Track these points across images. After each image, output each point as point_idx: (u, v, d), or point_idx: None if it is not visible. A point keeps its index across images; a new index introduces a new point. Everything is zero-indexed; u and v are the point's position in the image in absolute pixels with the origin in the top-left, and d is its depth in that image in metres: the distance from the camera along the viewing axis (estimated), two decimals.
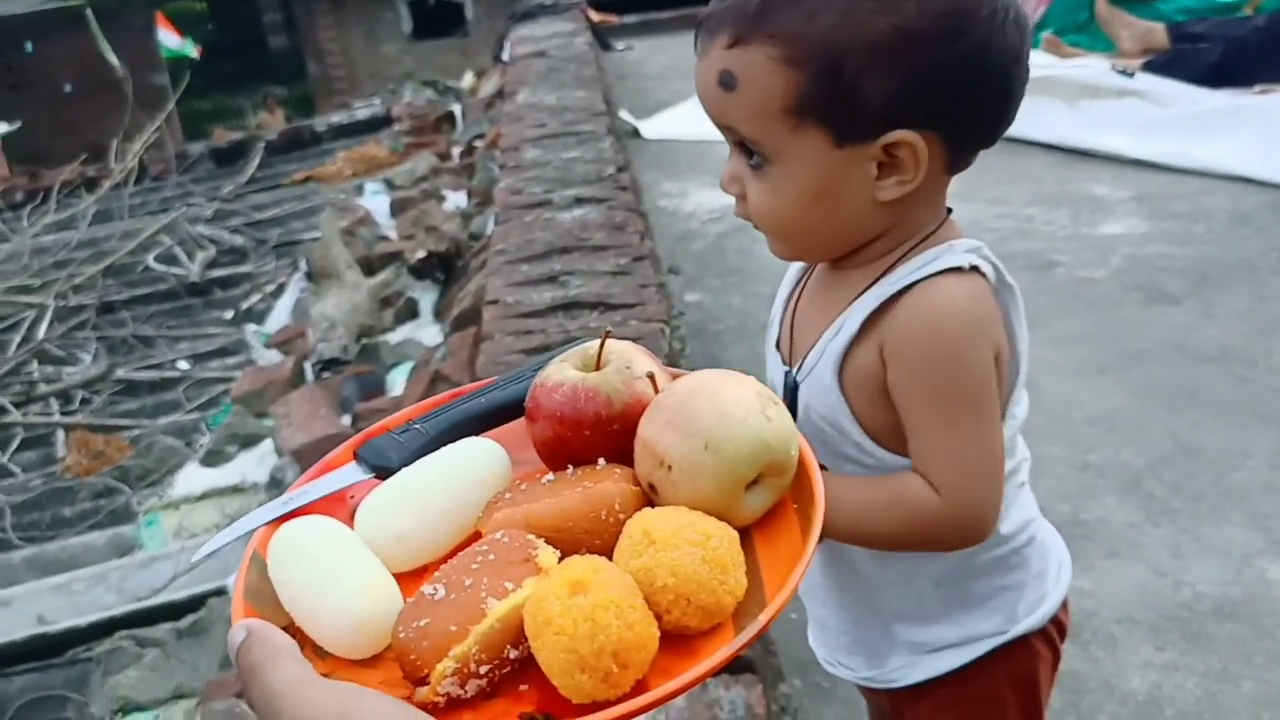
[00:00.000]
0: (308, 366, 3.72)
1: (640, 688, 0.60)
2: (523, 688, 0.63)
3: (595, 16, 7.19)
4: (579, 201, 3.58)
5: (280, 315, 4.55)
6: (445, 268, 4.23)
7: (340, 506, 0.75)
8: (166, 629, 2.60)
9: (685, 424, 0.67)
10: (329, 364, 3.64)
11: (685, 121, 5.18)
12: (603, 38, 6.94)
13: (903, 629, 1.12)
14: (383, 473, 0.77)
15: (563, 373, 0.75)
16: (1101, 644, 1.92)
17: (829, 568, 1.15)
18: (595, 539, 0.67)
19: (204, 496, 3.16)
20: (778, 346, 1.13)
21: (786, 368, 1.10)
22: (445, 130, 6.52)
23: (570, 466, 0.72)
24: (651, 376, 0.73)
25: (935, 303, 0.99)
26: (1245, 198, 3.70)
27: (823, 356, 1.03)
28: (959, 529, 1.00)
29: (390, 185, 5.56)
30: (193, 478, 3.30)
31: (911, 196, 0.98)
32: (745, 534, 0.68)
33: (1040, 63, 4.26)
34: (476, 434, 0.80)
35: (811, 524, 0.66)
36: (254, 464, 3.24)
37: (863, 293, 1.02)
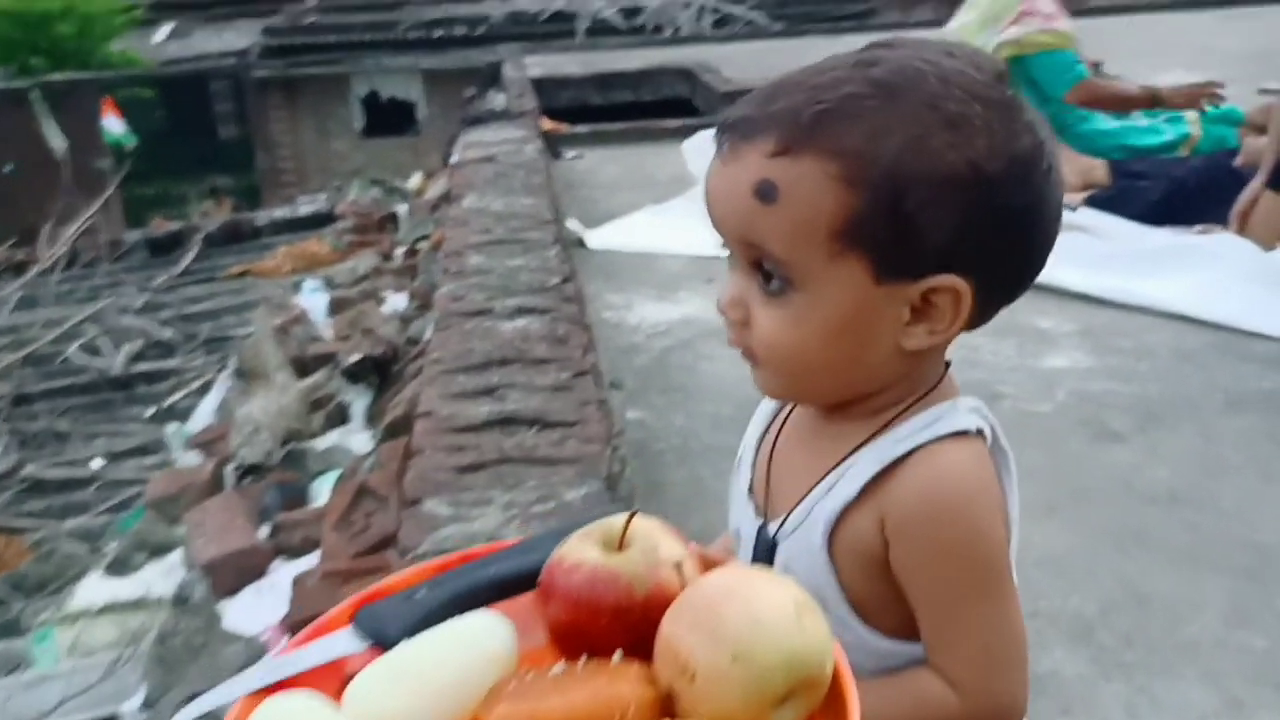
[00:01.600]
0: (228, 471, 3.55)
1: None
2: None
3: (547, 124, 7.22)
4: (521, 311, 3.50)
5: (204, 414, 4.39)
6: (381, 372, 4.11)
7: (332, 678, 0.71)
8: None
9: (714, 628, 0.62)
10: (250, 470, 3.48)
11: (633, 233, 5.16)
12: (553, 145, 6.96)
13: None
14: (380, 644, 0.73)
15: (582, 552, 0.71)
16: None
17: None
18: None
19: (104, 610, 2.97)
20: (750, 492, 1.02)
21: (761, 520, 0.99)
22: (389, 230, 6.45)
23: (584, 656, 0.68)
24: (679, 566, 0.68)
25: (945, 474, 0.90)
26: (1188, 336, 3.72)
27: (809, 516, 0.93)
28: None
29: (329, 284, 5.45)
30: (94, 588, 3.10)
31: (932, 348, 0.92)
32: None
33: None
34: (485, 604, 0.75)
35: None
36: (161, 576, 3.06)
37: (859, 447, 0.93)
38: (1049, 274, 3.70)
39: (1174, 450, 2.98)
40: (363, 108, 18.72)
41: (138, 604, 2.93)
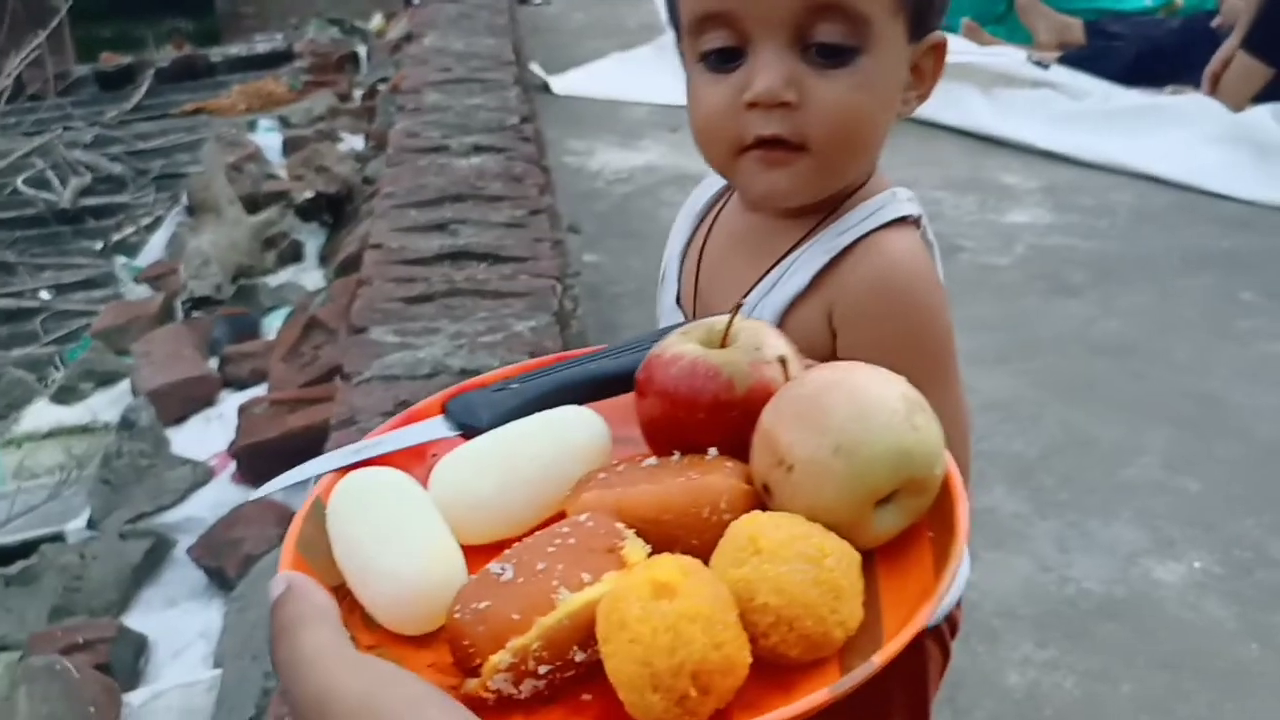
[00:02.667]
0: (178, 304, 3.49)
1: (719, 719, 0.52)
2: (585, 697, 0.56)
3: None
4: (478, 150, 3.42)
5: (154, 250, 4.29)
6: (334, 210, 4.03)
7: (419, 463, 0.70)
8: None
9: (816, 420, 0.58)
10: (200, 302, 3.42)
11: (598, 80, 5.04)
12: None
13: None
14: (470, 432, 0.72)
15: (683, 345, 0.67)
16: (982, 638, 1.85)
17: None
18: (694, 538, 0.59)
19: (50, 435, 2.93)
20: (678, 303, 0.99)
21: None
22: (348, 71, 6.25)
23: (677, 452, 0.65)
24: (783, 361, 0.64)
25: (895, 260, 0.87)
26: (1151, 196, 3.70)
27: (752, 315, 0.89)
28: None
29: (285, 123, 5.30)
30: (41, 414, 3.06)
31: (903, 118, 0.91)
32: (869, 559, 0.59)
33: (958, 49, 4.21)
34: (582, 401, 0.73)
35: (949, 558, 0.56)
36: (108, 404, 3.02)
37: (801, 241, 0.90)
38: (1015, 130, 3.67)
39: (1129, 305, 2.99)
40: None
41: (84, 429, 2.90)
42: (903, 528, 0.60)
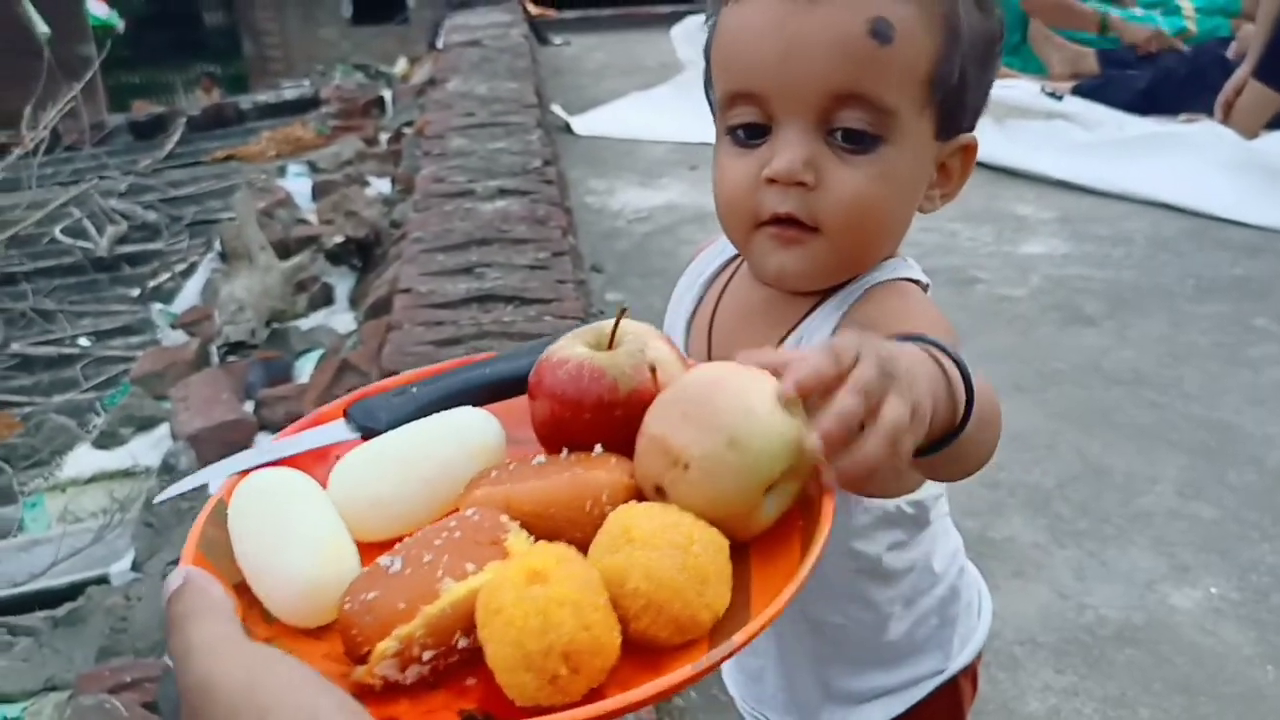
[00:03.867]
0: (213, 349, 3.59)
1: (593, 697, 0.54)
2: (469, 682, 0.58)
3: (534, 10, 7.11)
4: (502, 193, 3.51)
5: (189, 295, 4.39)
6: (363, 254, 4.12)
7: (322, 465, 0.71)
8: (41, 617, 2.47)
9: (706, 418, 0.61)
10: (235, 347, 3.51)
11: (618, 119, 5.13)
12: (540, 31, 6.87)
13: (838, 679, 1.04)
14: (369, 434, 0.74)
15: (571, 349, 0.70)
16: (1002, 665, 1.89)
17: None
18: (577, 531, 0.62)
19: (93, 479, 3.02)
20: None
21: None
22: (374, 115, 6.39)
23: (565, 450, 0.68)
24: (653, 369, 0.68)
25: (905, 297, 0.91)
26: (1165, 224, 3.74)
27: None
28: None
29: (314, 168, 5.42)
30: (83, 460, 3.15)
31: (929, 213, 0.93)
32: (744, 547, 0.63)
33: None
34: (478, 404, 0.75)
35: (812, 544, 0.59)
36: (148, 448, 3.10)
37: (814, 309, 0.92)
38: (1030, 161, 3.74)
39: (1143, 334, 3.03)
40: None
41: (126, 473, 2.98)
42: (786, 509, 0.64)
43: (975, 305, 3.18)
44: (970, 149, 0.94)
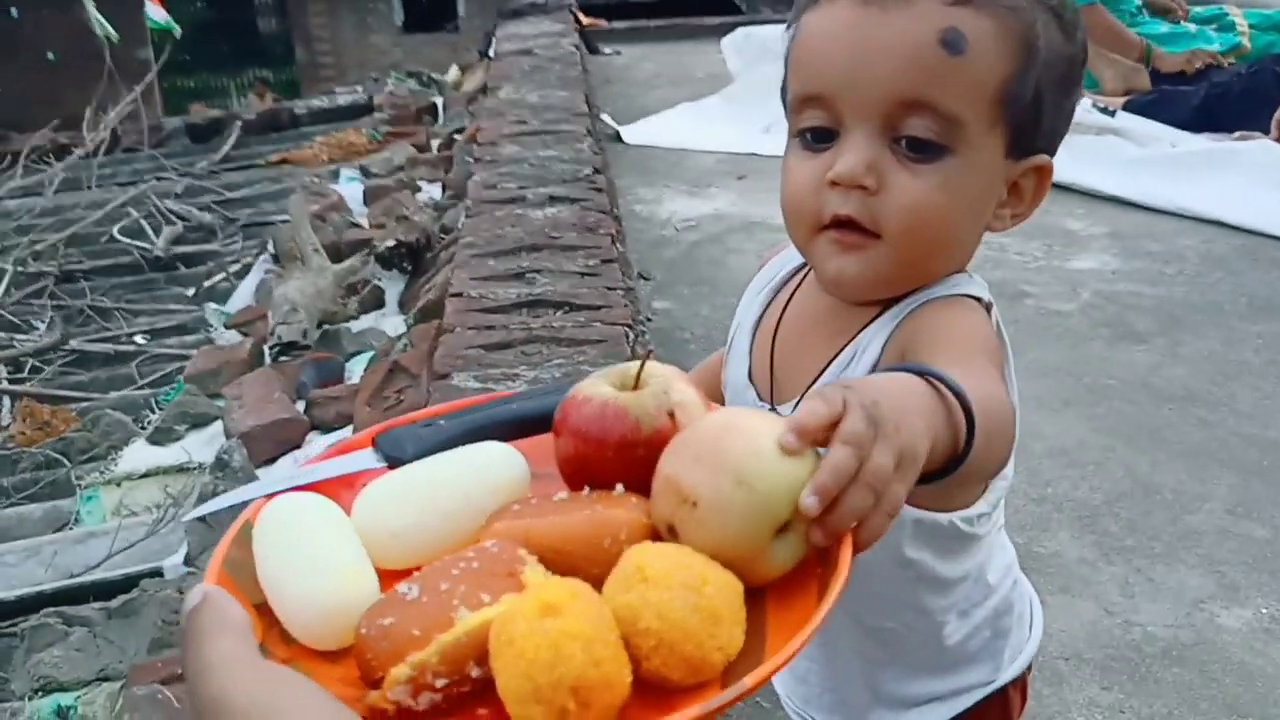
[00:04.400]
0: (266, 349, 3.65)
1: None
2: (481, 711, 0.59)
3: (584, 20, 7.15)
4: (553, 200, 3.54)
5: (243, 296, 4.47)
6: (414, 258, 4.17)
7: (347, 492, 0.73)
8: (96, 608, 2.52)
9: (715, 458, 0.62)
10: (287, 348, 3.56)
11: (667, 129, 5.15)
12: (590, 41, 6.91)
13: (889, 683, 1.05)
14: (395, 464, 0.75)
15: (596, 388, 0.71)
16: (1048, 681, 1.89)
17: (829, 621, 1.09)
18: (595, 567, 0.62)
19: (147, 475, 3.08)
20: (750, 379, 1.02)
21: (767, 405, 0.99)
22: (426, 122, 6.46)
23: (587, 488, 0.69)
24: (672, 414, 0.69)
25: (960, 312, 0.91)
26: (1218, 241, 3.71)
27: None
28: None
29: (366, 173, 5.49)
30: (138, 455, 3.21)
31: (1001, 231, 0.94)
32: (761, 592, 0.63)
33: None
34: (504, 438, 0.76)
35: (828, 591, 0.60)
36: (202, 444, 3.16)
37: (874, 319, 0.93)
38: (1081, 176, 3.74)
39: (1194, 352, 3.01)
40: (402, 2, 18.50)
41: (180, 469, 3.04)
42: (800, 556, 0.63)
43: (1025, 320, 3.17)
44: (1045, 170, 0.94)
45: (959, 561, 1.00)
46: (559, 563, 0.63)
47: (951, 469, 0.71)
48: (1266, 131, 4.13)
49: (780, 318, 1.02)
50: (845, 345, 0.94)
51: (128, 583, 2.59)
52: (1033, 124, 0.90)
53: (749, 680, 0.55)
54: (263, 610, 0.64)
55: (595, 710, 0.54)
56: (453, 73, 7.24)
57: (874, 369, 0.91)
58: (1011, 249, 3.63)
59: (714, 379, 1.11)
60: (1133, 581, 2.12)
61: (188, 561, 2.64)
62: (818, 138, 0.90)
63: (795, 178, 0.92)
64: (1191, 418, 2.68)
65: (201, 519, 2.70)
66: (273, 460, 2.97)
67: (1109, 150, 4.16)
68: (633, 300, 3.03)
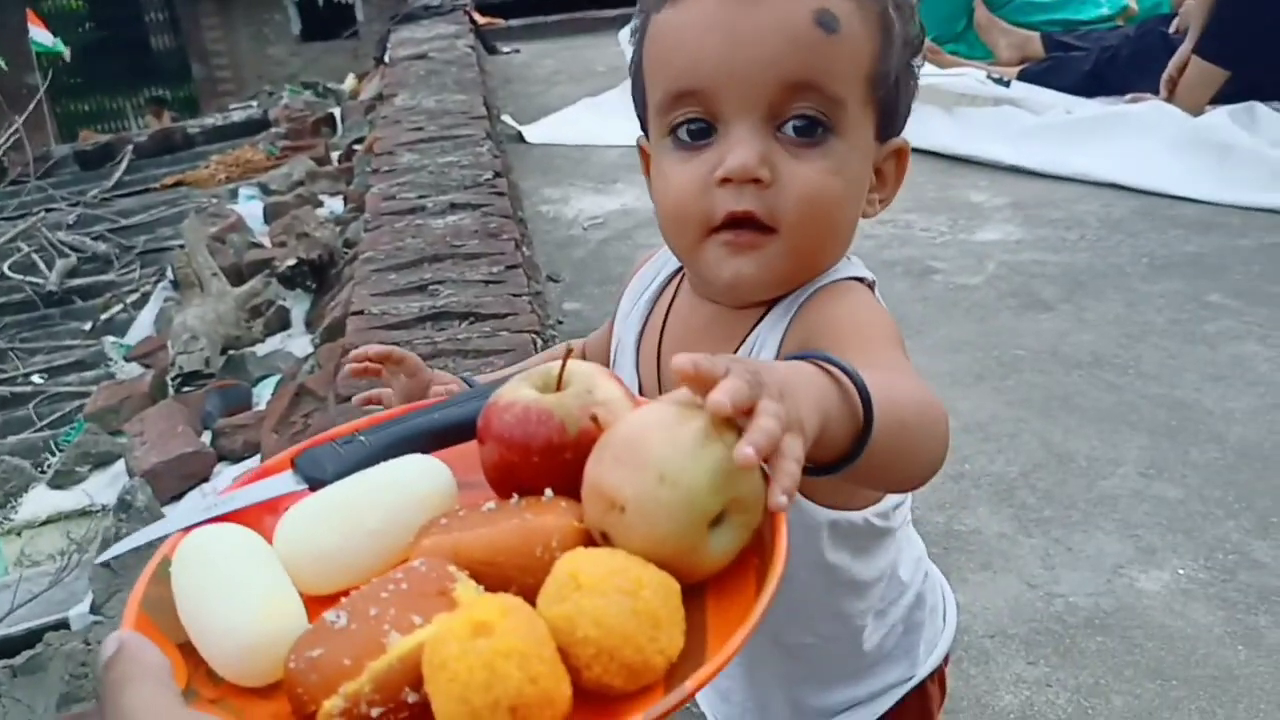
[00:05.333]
0: (168, 381, 3.53)
1: None
2: None
3: (481, 19, 7.07)
4: (453, 208, 3.48)
5: (143, 326, 4.33)
6: (318, 275, 4.07)
7: (269, 518, 0.71)
8: (0, 667, 2.42)
9: (635, 457, 0.60)
10: (190, 378, 3.45)
11: (570, 126, 5.11)
12: (488, 41, 6.83)
13: (810, 697, 1.03)
14: (316, 485, 0.72)
15: (518, 392, 0.69)
16: (974, 660, 1.88)
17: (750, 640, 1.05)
18: (528, 577, 0.60)
19: (49, 521, 2.96)
20: (641, 393, 0.99)
21: None
22: (324, 134, 6.33)
23: (516, 495, 0.67)
24: (594, 417, 0.66)
25: (852, 298, 0.90)
26: (1116, 204, 3.76)
27: None
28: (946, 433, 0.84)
29: (265, 190, 5.36)
30: (39, 501, 3.09)
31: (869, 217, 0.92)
32: (699, 589, 0.62)
33: (921, 71, 4.28)
34: (427, 450, 0.74)
35: (766, 581, 0.58)
36: (105, 485, 3.05)
37: (766, 314, 0.90)
38: (981, 148, 3.74)
39: (1099, 316, 3.04)
40: (298, 11, 18.17)
41: (83, 513, 2.93)
42: (740, 546, 0.62)
43: (934, 296, 3.18)
44: (904, 153, 0.94)
45: (875, 560, 0.99)
46: (491, 575, 0.61)
47: (855, 453, 0.68)
48: (1156, 92, 4.20)
49: (662, 331, 0.99)
50: (737, 349, 0.91)
51: (32, 637, 2.48)
52: (895, 105, 0.90)
53: (690, 684, 0.54)
54: (187, 650, 0.62)
55: None
56: (349, 81, 7.12)
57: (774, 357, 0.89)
58: (917, 225, 3.65)
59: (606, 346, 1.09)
60: (1052, 553, 2.13)
61: (94, 609, 2.54)
62: (695, 135, 0.87)
63: (676, 181, 0.88)
64: (1100, 383, 2.70)
65: (106, 564, 2.61)
66: (179, 496, 2.87)
67: (1006, 120, 4.20)
68: (540, 305, 2.98)
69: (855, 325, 0.86)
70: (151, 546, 0.69)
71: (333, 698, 0.55)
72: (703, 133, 0.86)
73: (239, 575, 0.63)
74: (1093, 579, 2.06)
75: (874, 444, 0.68)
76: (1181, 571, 2.06)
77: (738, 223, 0.86)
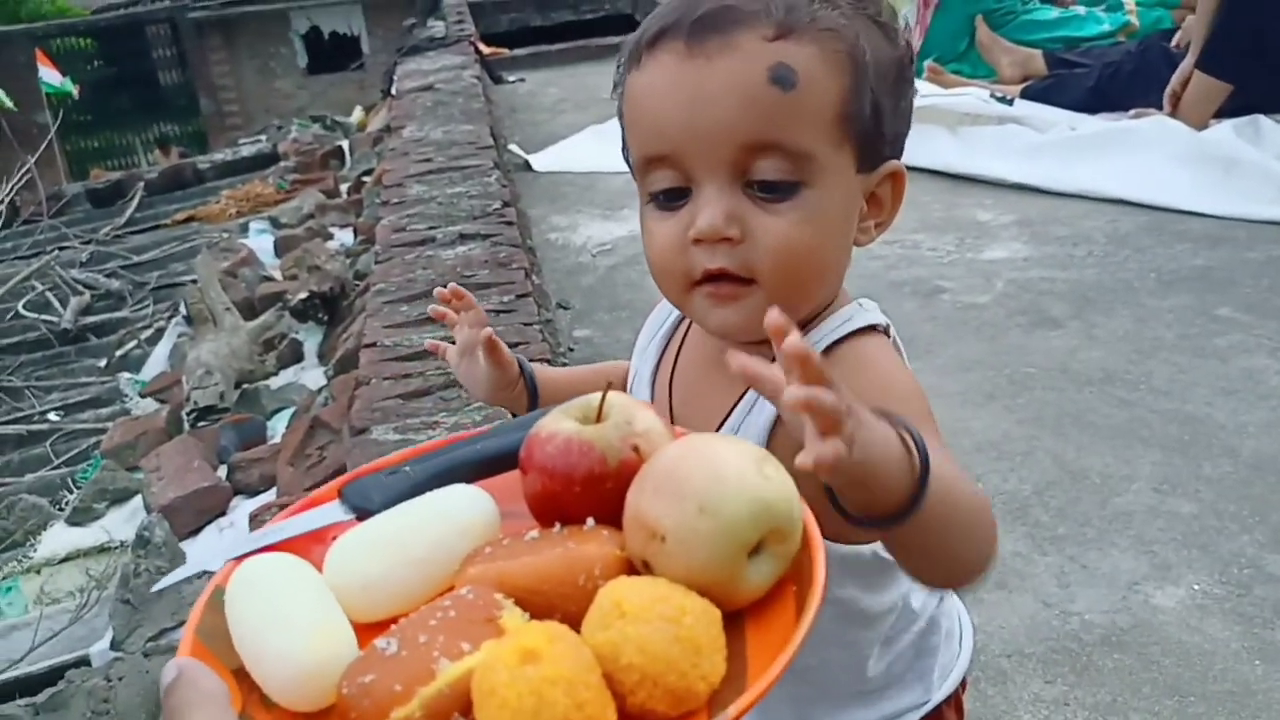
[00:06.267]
0: (183, 416, 3.56)
1: None
2: None
3: (485, 50, 7.12)
4: (463, 238, 3.50)
5: (157, 362, 4.37)
6: (329, 308, 4.11)
7: (317, 547, 0.72)
8: (22, 705, 2.43)
9: (675, 489, 0.62)
10: (205, 412, 3.48)
11: (576, 154, 5.14)
12: (493, 71, 6.88)
13: (822, 717, 1.04)
14: (364, 515, 0.74)
15: (559, 424, 0.71)
16: (991, 680, 1.88)
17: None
18: (571, 605, 0.62)
19: (68, 558, 2.99)
20: None
21: None
22: (333, 166, 6.38)
23: (558, 524, 0.69)
24: (636, 447, 0.68)
25: (869, 361, 0.90)
26: (1123, 220, 3.77)
27: (739, 433, 0.91)
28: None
29: (276, 224, 5.40)
30: (57, 538, 3.11)
31: (866, 245, 0.92)
32: (738, 616, 0.63)
33: (924, 91, 4.31)
34: (469, 482, 0.76)
35: (806, 608, 0.60)
36: (123, 521, 3.08)
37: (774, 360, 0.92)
38: (987, 167, 3.75)
39: (1109, 333, 3.05)
40: (305, 44, 18.34)
41: (101, 549, 2.95)
42: (777, 576, 0.64)
43: (942, 315, 3.19)
44: (899, 175, 0.93)
45: (885, 593, 0.99)
46: (536, 603, 0.62)
47: (903, 514, 0.70)
48: (1160, 107, 4.21)
49: (675, 366, 1.01)
50: (748, 389, 0.92)
51: (53, 675, 2.50)
52: (876, 135, 0.89)
53: (732, 710, 0.56)
54: (241, 676, 0.63)
55: None
56: (357, 114, 7.18)
57: (778, 416, 0.88)
58: (924, 245, 3.66)
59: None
60: (1067, 570, 2.13)
61: (114, 645, 2.55)
62: (670, 197, 0.88)
63: (657, 241, 0.90)
64: (1112, 399, 2.71)
65: (126, 600, 2.63)
66: (197, 531, 2.89)
67: (1011, 138, 4.22)
68: (551, 333, 3.00)
69: (893, 398, 0.85)
70: (203, 577, 0.71)
71: None
72: (678, 193, 0.88)
73: (291, 603, 0.65)
74: (1108, 596, 2.06)
75: (925, 509, 0.70)
76: (1197, 587, 2.06)
77: (717, 276, 0.87)
